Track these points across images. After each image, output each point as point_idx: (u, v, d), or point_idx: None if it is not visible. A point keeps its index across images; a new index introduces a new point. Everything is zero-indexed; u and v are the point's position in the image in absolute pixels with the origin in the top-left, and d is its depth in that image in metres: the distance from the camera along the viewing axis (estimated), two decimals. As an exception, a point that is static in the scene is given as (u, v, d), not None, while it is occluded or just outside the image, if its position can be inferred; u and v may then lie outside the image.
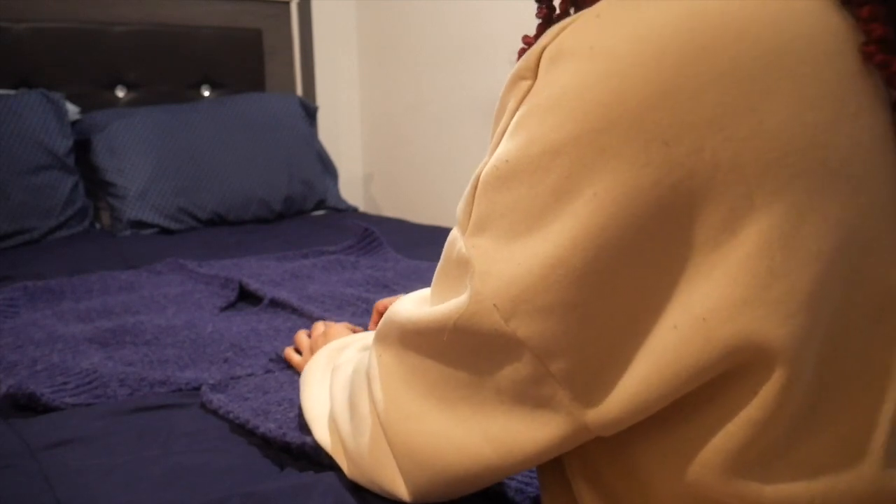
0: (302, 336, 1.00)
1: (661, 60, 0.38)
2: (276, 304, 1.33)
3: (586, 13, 0.42)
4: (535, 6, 0.53)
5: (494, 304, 0.43)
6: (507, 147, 0.43)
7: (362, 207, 2.74)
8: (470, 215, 0.46)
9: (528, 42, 0.53)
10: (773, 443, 0.44)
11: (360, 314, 1.28)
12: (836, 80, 0.42)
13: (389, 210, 2.74)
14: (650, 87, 0.38)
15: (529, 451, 0.47)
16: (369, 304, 1.32)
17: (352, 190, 2.77)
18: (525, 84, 0.43)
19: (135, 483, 0.74)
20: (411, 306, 0.52)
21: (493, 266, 0.43)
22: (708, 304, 0.40)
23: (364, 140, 2.87)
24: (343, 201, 2.42)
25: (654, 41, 0.39)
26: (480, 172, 0.45)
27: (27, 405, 0.93)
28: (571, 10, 0.51)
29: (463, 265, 0.46)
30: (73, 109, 2.13)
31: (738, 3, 0.40)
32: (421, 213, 2.47)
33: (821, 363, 0.44)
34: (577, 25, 0.41)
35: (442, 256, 0.50)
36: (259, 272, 1.54)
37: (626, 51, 0.39)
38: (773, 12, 0.40)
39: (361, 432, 0.58)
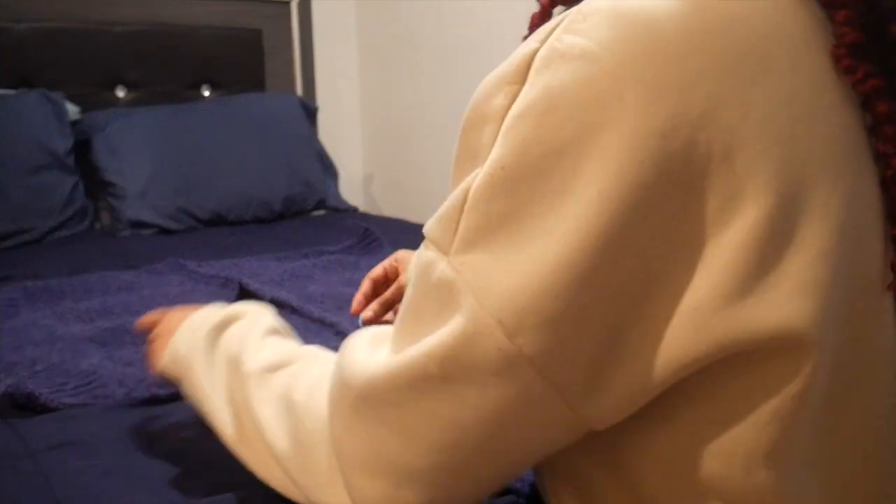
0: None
1: (651, 58, 0.39)
2: (276, 304, 1.33)
3: (573, 14, 0.42)
4: (534, 6, 0.54)
5: (499, 321, 0.41)
6: (499, 153, 0.42)
7: (362, 207, 2.74)
8: (455, 232, 0.43)
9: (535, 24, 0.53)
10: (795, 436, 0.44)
11: (360, 314, 1.28)
12: (809, 75, 0.43)
13: (389, 210, 2.74)
14: (643, 84, 0.39)
15: (535, 458, 0.48)
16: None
17: (352, 190, 2.77)
18: (512, 89, 0.42)
19: (135, 483, 0.74)
20: (364, 357, 0.49)
21: (491, 281, 0.41)
22: (700, 295, 0.41)
23: (364, 140, 2.87)
24: (343, 201, 2.42)
25: (642, 41, 0.39)
26: (469, 187, 0.43)
27: (25, 405, 0.93)
28: (554, 12, 0.53)
29: (447, 288, 0.43)
30: (73, 109, 2.13)
31: (712, 1, 0.41)
32: (421, 213, 2.47)
33: (839, 351, 0.44)
34: (566, 28, 0.41)
35: (411, 288, 0.47)
36: (259, 272, 1.54)
37: (617, 50, 0.39)
38: (746, 9, 0.42)
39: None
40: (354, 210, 2.43)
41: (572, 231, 0.39)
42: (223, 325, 0.70)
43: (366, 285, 0.94)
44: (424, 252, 0.46)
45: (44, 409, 0.92)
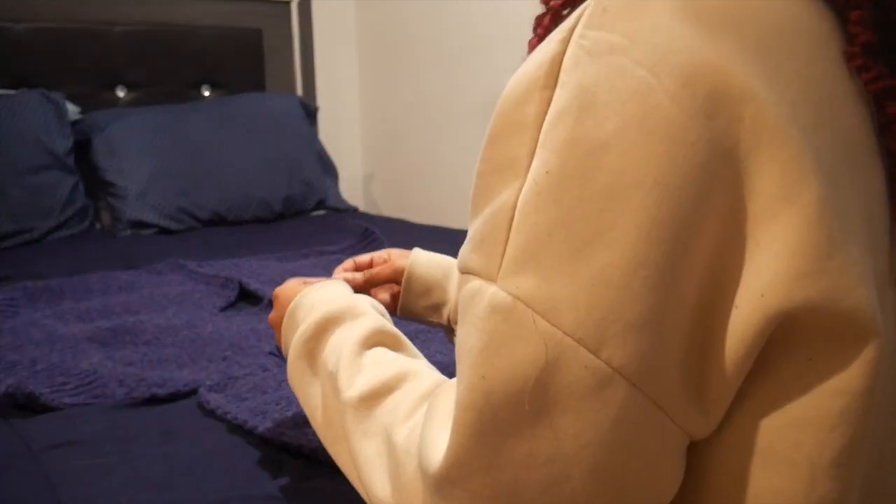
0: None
1: (679, 45, 0.38)
2: (275, 304, 1.33)
3: (591, 9, 0.41)
4: (534, 7, 0.53)
5: (579, 339, 0.38)
6: (541, 160, 0.39)
7: (362, 207, 2.74)
8: (502, 255, 0.40)
9: (545, 25, 0.51)
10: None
11: (360, 314, 1.28)
12: (823, 69, 0.43)
13: (389, 210, 2.74)
14: (678, 69, 0.38)
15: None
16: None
17: (352, 190, 2.77)
18: (544, 94, 0.40)
19: (135, 483, 0.74)
20: (437, 437, 0.43)
21: (557, 296, 0.38)
22: (766, 279, 0.39)
23: (364, 140, 2.87)
24: (343, 201, 2.42)
25: (667, 30, 0.39)
26: (513, 202, 0.40)
27: (26, 405, 0.93)
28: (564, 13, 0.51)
29: (505, 316, 0.39)
30: (73, 109, 2.13)
31: None
32: (421, 213, 2.47)
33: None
34: (587, 24, 0.40)
35: (461, 330, 0.42)
36: (259, 272, 1.54)
37: (645, 39, 0.39)
38: (760, 3, 0.42)
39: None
40: (354, 210, 2.43)
41: (636, 226, 0.37)
42: (321, 332, 0.63)
43: (348, 263, 0.87)
44: (465, 287, 0.42)
45: (44, 408, 0.92)
